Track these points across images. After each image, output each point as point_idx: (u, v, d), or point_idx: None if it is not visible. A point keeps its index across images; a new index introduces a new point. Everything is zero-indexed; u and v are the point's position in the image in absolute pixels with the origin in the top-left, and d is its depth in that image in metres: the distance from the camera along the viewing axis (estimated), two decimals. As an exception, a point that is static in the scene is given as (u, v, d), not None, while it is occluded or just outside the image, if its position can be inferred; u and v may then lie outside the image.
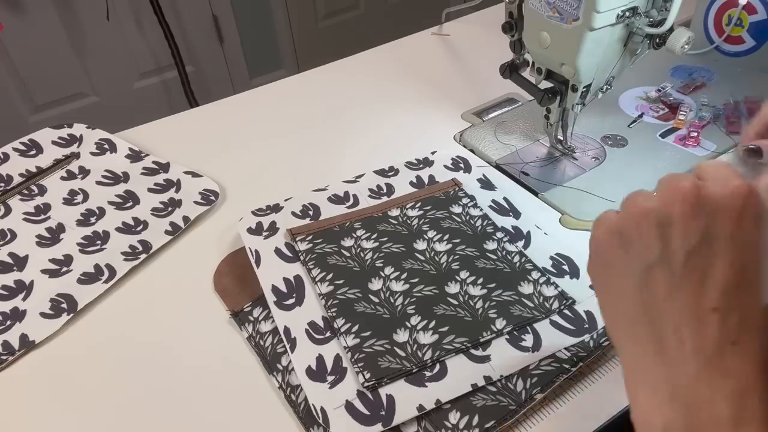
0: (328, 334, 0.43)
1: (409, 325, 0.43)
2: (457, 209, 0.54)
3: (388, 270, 0.48)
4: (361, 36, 2.18)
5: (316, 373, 0.40)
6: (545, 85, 0.56)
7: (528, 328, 0.43)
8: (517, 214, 0.53)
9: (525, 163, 0.61)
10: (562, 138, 0.60)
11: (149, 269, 0.53)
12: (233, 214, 0.58)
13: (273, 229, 0.52)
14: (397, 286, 0.46)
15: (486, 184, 0.57)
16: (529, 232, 0.51)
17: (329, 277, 0.47)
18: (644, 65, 0.63)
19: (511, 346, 0.42)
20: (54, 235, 0.56)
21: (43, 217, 0.58)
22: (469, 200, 0.55)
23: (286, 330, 0.43)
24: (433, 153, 0.62)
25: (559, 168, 0.60)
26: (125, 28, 1.75)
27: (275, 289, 0.47)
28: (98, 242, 0.55)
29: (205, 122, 0.73)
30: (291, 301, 0.46)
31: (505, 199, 0.55)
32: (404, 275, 0.47)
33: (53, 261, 0.53)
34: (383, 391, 0.39)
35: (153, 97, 1.92)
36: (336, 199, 0.56)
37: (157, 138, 0.69)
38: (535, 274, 0.47)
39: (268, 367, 0.43)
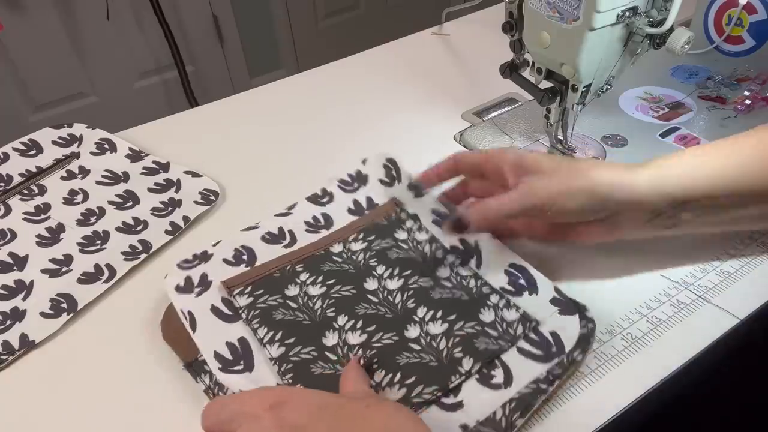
0: None
1: (373, 383, 0.39)
2: (402, 235, 0.50)
3: (341, 320, 0.43)
4: (361, 36, 2.18)
5: None
6: (545, 85, 0.56)
7: (496, 361, 0.40)
8: None
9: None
10: (562, 138, 0.60)
11: (149, 269, 0.53)
12: (233, 214, 0.58)
13: (205, 283, 0.46)
14: (354, 338, 0.42)
15: (418, 191, 0.53)
16: (476, 243, 0.48)
17: (278, 336, 0.42)
18: (644, 65, 0.63)
19: (483, 385, 0.39)
20: (54, 235, 0.56)
21: (43, 217, 0.58)
22: (413, 222, 0.51)
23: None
24: (364, 162, 0.56)
25: (559, 168, 0.59)
26: (125, 28, 1.75)
27: (218, 356, 0.41)
28: (98, 242, 0.55)
29: (205, 122, 0.73)
30: (239, 367, 0.41)
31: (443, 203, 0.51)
32: (360, 323, 0.43)
33: (53, 261, 0.53)
34: None
35: (153, 97, 1.93)
36: (271, 238, 0.50)
37: (157, 138, 0.69)
38: (494, 298, 0.44)
39: None
